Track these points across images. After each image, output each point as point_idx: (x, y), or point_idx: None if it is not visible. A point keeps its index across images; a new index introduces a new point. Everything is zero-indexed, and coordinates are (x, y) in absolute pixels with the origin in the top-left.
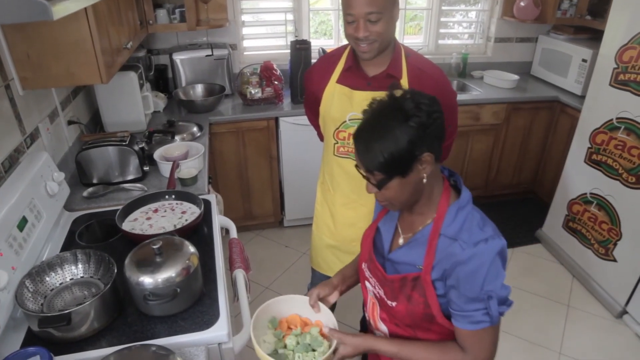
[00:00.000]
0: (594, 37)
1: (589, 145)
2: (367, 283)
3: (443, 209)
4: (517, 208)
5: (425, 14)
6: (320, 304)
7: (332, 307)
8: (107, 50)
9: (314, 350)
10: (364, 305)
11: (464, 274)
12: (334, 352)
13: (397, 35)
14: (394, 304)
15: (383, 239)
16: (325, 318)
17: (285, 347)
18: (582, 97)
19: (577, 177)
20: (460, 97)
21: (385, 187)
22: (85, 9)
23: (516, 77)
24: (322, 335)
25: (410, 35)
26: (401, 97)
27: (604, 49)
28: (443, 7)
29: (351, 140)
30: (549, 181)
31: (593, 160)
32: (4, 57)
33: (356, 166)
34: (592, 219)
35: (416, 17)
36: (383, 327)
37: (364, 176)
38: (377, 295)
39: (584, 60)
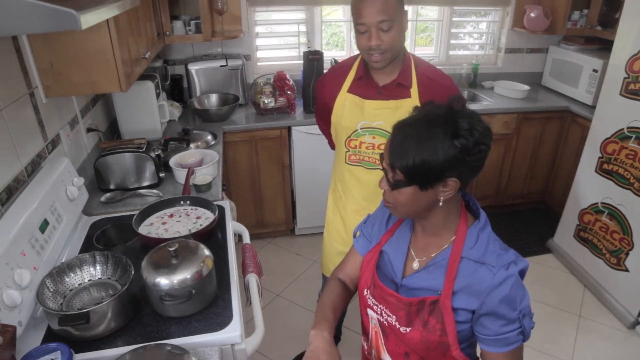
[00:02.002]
0: (604, 47)
1: (600, 155)
2: (369, 311)
3: (462, 231)
4: (528, 218)
5: (436, 25)
6: None
7: (343, 316)
8: (127, 60)
9: None
10: (364, 333)
11: (499, 298)
12: None
13: (409, 46)
14: (407, 329)
15: (393, 264)
16: None
17: None
18: (593, 107)
19: (588, 187)
20: (471, 107)
21: (399, 190)
22: (107, 20)
23: (527, 87)
24: None
25: (422, 46)
26: (459, 112)
27: (614, 59)
28: (454, 19)
29: (362, 148)
30: (559, 191)
31: (604, 169)
32: (29, 66)
33: (381, 155)
34: (604, 228)
35: (427, 28)
36: (387, 359)
37: (383, 169)
38: (385, 322)
39: (595, 71)
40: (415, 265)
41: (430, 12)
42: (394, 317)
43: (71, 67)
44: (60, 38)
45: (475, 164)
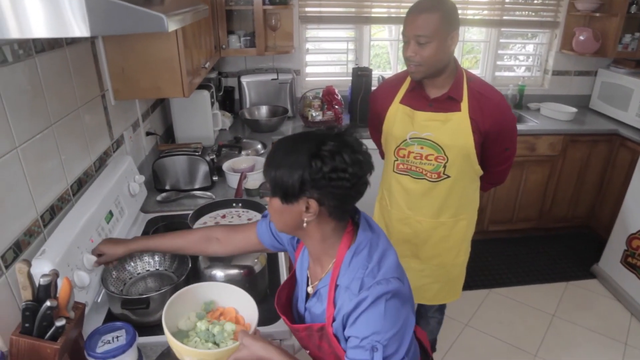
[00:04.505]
0: None
1: None
2: None
3: (341, 255)
4: (572, 242)
5: (482, 46)
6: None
7: None
8: (190, 68)
9: (216, 343)
10: None
11: (351, 321)
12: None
13: None
14: (307, 351)
15: (299, 289)
16: (254, 321)
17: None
18: None
19: (638, 212)
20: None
21: (270, 201)
22: (176, 30)
23: (574, 109)
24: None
25: (466, 68)
26: (334, 136)
27: None
28: (501, 40)
29: (410, 158)
30: (606, 215)
31: None
32: (102, 70)
33: None
34: None
35: (473, 50)
36: None
37: None
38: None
39: None
40: (310, 290)
41: (474, 36)
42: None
43: (140, 73)
44: (133, 45)
45: (335, 191)
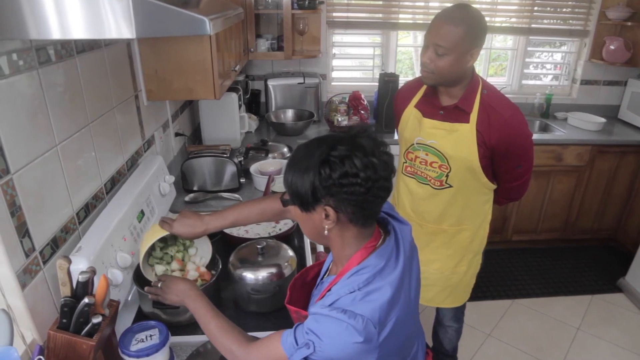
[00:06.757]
0: None
1: None
2: None
3: (349, 266)
4: (597, 254)
5: (510, 54)
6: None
7: None
8: (221, 71)
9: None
10: None
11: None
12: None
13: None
14: None
15: (322, 273)
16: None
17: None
18: None
19: None
20: (542, 136)
21: (288, 209)
22: None
23: (602, 119)
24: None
25: (490, 76)
26: (348, 139)
27: None
28: (528, 48)
29: (417, 162)
30: (634, 228)
31: None
32: (137, 71)
33: None
34: None
35: (499, 57)
36: None
37: None
38: None
39: None
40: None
41: (499, 43)
42: None
43: (173, 75)
44: (167, 47)
45: (348, 197)
